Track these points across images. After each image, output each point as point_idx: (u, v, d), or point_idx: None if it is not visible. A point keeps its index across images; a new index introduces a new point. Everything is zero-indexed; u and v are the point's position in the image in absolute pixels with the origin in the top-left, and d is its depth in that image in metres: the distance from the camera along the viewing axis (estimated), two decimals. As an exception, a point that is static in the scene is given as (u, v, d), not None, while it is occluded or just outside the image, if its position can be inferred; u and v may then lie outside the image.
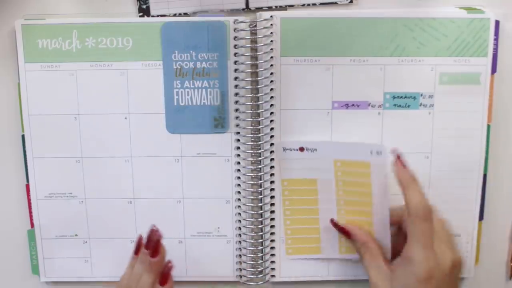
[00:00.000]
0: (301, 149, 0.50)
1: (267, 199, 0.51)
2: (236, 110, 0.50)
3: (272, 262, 0.52)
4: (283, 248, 0.52)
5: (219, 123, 0.50)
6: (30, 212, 0.52)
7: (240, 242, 0.52)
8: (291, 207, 0.51)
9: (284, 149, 0.50)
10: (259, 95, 0.49)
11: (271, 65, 0.49)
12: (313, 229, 0.51)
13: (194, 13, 0.49)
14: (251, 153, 0.50)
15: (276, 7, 0.49)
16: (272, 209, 0.51)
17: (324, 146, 0.49)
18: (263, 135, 0.50)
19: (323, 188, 0.50)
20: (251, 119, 0.50)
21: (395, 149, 0.45)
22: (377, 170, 0.47)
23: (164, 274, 0.46)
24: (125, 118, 0.50)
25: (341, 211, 0.50)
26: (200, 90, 0.50)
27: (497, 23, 0.49)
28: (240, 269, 0.52)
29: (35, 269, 0.53)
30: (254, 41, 0.49)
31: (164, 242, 0.52)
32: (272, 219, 0.51)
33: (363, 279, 0.52)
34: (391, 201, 0.46)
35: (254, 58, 0.49)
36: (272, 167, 0.51)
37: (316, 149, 0.49)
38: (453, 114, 0.50)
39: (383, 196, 0.47)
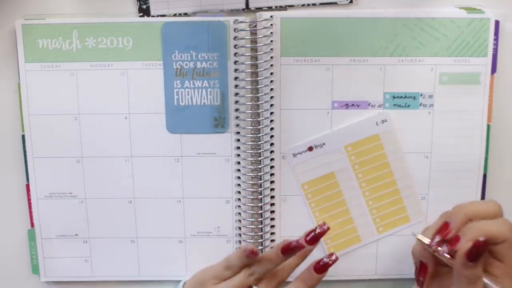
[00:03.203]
0: (310, 148, 0.50)
1: (267, 199, 0.51)
2: (236, 110, 0.50)
3: (272, 262, 0.52)
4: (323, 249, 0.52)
5: (219, 123, 0.50)
6: (30, 212, 0.52)
7: (240, 242, 0.52)
8: (318, 207, 0.51)
9: (294, 155, 0.50)
10: (259, 95, 0.49)
11: (271, 65, 0.49)
12: (346, 220, 0.51)
13: (194, 13, 0.49)
14: (251, 153, 0.50)
15: (276, 7, 0.49)
16: (272, 209, 0.51)
17: (331, 138, 0.49)
18: (263, 135, 0.50)
19: (342, 178, 0.51)
20: (251, 119, 0.50)
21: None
22: (387, 137, 0.49)
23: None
24: (125, 118, 0.50)
25: (365, 193, 0.51)
26: (200, 90, 0.50)
27: (497, 23, 0.49)
28: (240, 269, 0.52)
29: (35, 269, 0.53)
30: (254, 41, 0.49)
31: (164, 242, 0.52)
32: (272, 219, 0.51)
33: (365, 279, 0.53)
34: (409, 161, 0.49)
35: (254, 58, 0.49)
36: (272, 167, 0.51)
37: (324, 143, 0.49)
38: (453, 114, 0.50)
39: (401, 160, 0.49)
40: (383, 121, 0.50)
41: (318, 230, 0.45)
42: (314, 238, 0.45)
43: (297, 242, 0.44)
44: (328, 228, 0.45)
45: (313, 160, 0.50)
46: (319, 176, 0.51)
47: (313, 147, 0.50)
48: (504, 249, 0.39)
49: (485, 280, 0.39)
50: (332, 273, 0.52)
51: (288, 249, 0.44)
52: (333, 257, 0.46)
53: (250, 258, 0.45)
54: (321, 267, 0.46)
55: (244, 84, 0.49)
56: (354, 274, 0.52)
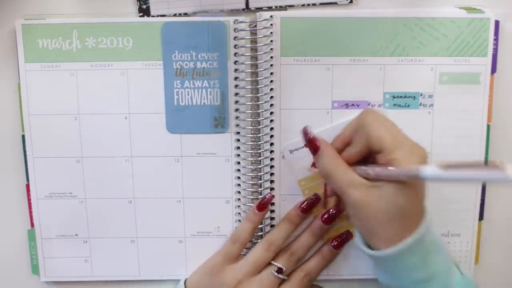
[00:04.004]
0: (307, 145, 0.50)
1: (267, 199, 0.51)
2: (236, 110, 0.50)
3: (272, 262, 0.52)
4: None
5: (219, 123, 0.50)
6: (30, 212, 0.52)
7: (240, 242, 0.52)
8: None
9: (291, 151, 0.50)
10: (259, 95, 0.49)
11: (271, 65, 0.49)
12: (342, 217, 0.50)
13: (194, 13, 0.49)
14: (251, 153, 0.50)
15: (276, 7, 0.49)
16: (272, 209, 0.51)
17: (328, 134, 0.49)
18: (263, 135, 0.50)
19: None
20: (251, 119, 0.50)
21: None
22: None
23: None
24: (125, 118, 0.50)
25: None
26: (200, 90, 0.50)
27: (497, 23, 0.49)
28: (240, 269, 0.52)
29: (35, 269, 0.53)
30: (254, 41, 0.49)
31: (164, 242, 0.52)
32: (272, 218, 0.51)
33: (365, 279, 0.53)
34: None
35: (254, 58, 0.49)
36: (272, 166, 0.51)
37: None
38: (453, 114, 0.50)
39: None
40: None
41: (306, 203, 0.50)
42: (307, 208, 0.50)
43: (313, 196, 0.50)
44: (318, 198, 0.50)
45: (311, 157, 0.50)
46: (316, 172, 0.50)
47: (304, 136, 0.50)
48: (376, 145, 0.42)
49: (359, 168, 0.43)
50: (332, 273, 0.52)
51: (306, 204, 0.50)
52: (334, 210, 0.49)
53: (264, 208, 0.49)
54: (328, 218, 0.49)
55: (244, 84, 0.49)
56: (353, 273, 0.52)
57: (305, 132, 0.46)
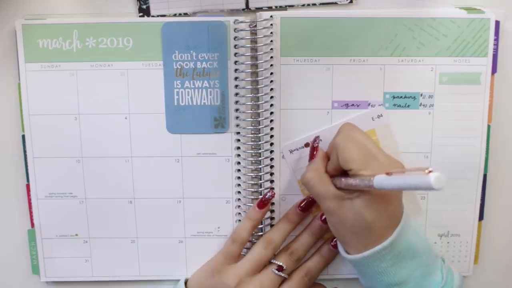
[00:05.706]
0: (307, 144, 0.50)
1: (267, 199, 0.51)
2: (236, 110, 0.50)
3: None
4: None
5: (219, 123, 0.50)
6: (30, 212, 0.52)
7: (240, 242, 0.52)
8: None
9: (291, 151, 0.50)
10: (259, 95, 0.49)
11: (271, 65, 0.49)
12: None
13: (194, 13, 0.49)
14: (251, 153, 0.50)
15: (276, 7, 0.49)
16: (272, 209, 0.51)
17: (328, 133, 0.49)
18: (263, 135, 0.50)
19: None
20: (251, 119, 0.50)
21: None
22: (383, 132, 0.49)
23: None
24: (125, 118, 0.50)
25: None
26: (200, 90, 0.50)
27: (497, 23, 0.49)
28: (240, 269, 0.52)
29: (35, 269, 0.53)
30: (254, 41, 0.49)
31: (164, 242, 0.52)
32: (272, 218, 0.51)
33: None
34: (409, 161, 0.48)
35: (254, 58, 0.49)
36: (272, 166, 0.51)
37: (321, 140, 0.49)
38: (453, 114, 0.50)
39: (397, 155, 0.49)
40: (378, 116, 0.50)
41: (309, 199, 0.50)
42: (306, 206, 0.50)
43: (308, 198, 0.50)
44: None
45: None
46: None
47: (310, 143, 0.50)
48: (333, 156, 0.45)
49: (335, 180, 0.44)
50: (332, 271, 0.52)
51: (305, 203, 0.50)
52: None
53: (265, 206, 0.49)
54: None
55: (244, 84, 0.49)
56: (353, 272, 0.52)
57: (314, 139, 0.48)
